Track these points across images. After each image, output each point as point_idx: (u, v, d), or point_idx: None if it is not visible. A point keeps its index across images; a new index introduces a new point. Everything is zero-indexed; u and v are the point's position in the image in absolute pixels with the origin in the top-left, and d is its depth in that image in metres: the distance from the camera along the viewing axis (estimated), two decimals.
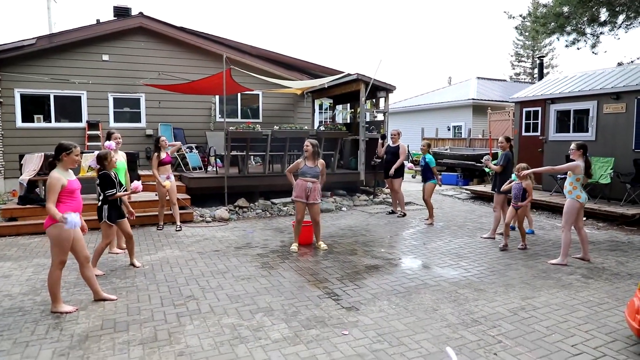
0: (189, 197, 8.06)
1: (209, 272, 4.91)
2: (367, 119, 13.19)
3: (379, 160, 10.14)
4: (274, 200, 9.12)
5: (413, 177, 15.81)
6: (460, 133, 21.05)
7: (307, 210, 5.84)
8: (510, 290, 4.38)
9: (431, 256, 5.58)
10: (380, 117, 12.42)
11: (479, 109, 20.30)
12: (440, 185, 7.41)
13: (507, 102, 14.58)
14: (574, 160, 5.17)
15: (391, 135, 8.62)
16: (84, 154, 7.65)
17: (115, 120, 10.69)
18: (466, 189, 11.32)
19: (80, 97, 10.38)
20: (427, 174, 7.37)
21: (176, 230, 6.90)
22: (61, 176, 3.69)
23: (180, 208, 7.63)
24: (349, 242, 6.36)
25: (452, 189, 12.54)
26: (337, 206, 9.34)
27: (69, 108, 10.31)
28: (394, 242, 6.39)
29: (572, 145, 5.23)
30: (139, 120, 10.89)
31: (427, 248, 5.99)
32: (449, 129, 21.77)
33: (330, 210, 8.94)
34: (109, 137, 5.87)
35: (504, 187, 6.14)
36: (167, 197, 7.02)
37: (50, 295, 3.81)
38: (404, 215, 8.35)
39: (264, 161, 9.62)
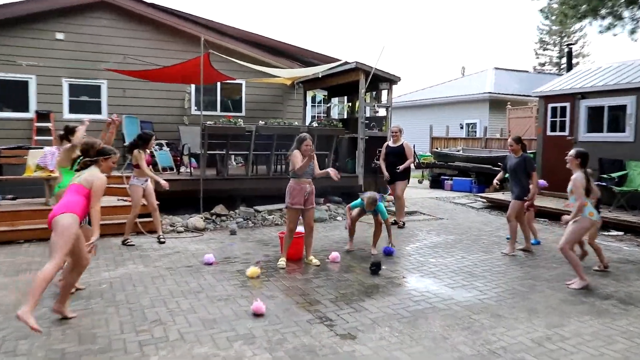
0: (157, 202, 7.96)
1: (180, 292, 4.86)
2: (367, 115, 13.22)
3: (379, 163, 10.18)
4: (258, 208, 9.09)
5: (420, 181, 15.86)
6: (475, 132, 21.21)
7: (301, 217, 5.82)
8: (534, 317, 4.37)
9: (440, 275, 5.57)
10: (382, 112, 12.46)
11: (496, 104, 20.48)
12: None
13: (530, 96, 14.72)
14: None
15: (391, 133, 8.59)
16: (30, 151, 7.55)
17: (71, 111, 10.58)
18: (481, 197, 11.36)
19: (27, 82, 10.23)
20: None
21: (159, 242, 6.89)
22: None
23: (147, 216, 7.56)
24: (344, 257, 6.33)
25: (465, 196, 12.60)
26: (331, 215, 9.32)
27: (14, 95, 10.14)
28: (397, 258, 6.37)
29: (571, 153, 5.29)
30: (99, 112, 10.84)
31: (436, 265, 5.98)
32: (461, 127, 21.94)
33: (324, 219, 8.93)
34: (69, 132, 5.74)
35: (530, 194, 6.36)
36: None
37: (29, 296, 3.67)
38: (403, 225, 8.32)
39: (246, 162, 9.60)
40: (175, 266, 5.79)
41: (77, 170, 4.15)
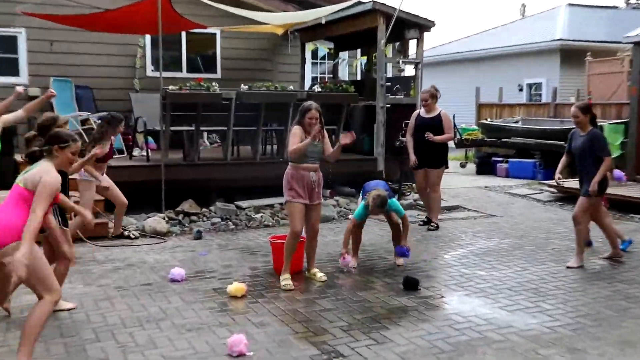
0: (102, 198, 7.98)
1: (135, 320, 4.87)
2: (389, 74, 13.15)
3: (406, 141, 10.14)
4: (241, 204, 9.12)
5: (462, 165, 15.84)
6: (540, 95, 21.14)
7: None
8: (628, 352, 4.34)
9: (493, 293, 5.57)
10: (409, 70, 12.38)
11: (571, 55, 20.32)
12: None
13: (620, 43, 14.46)
14: None
15: (421, 100, 8.52)
16: None
17: None
18: (549, 186, 11.30)
19: None
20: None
21: (131, 238, 7.41)
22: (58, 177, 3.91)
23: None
24: (360, 269, 6.33)
25: (526, 184, 12.62)
26: (340, 212, 9.34)
27: None
28: (434, 270, 6.37)
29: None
30: (15, 73, 10.81)
31: (486, 280, 5.99)
32: (520, 89, 21.86)
33: (331, 218, 8.95)
34: None
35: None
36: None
37: (22, 347, 3.86)
38: (437, 227, 8.34)
39: (224, 141, 9.61)
40: (127, 284, 5.80)
41: (27, 163, 4.00)
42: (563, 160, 6.64)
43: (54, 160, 3.97)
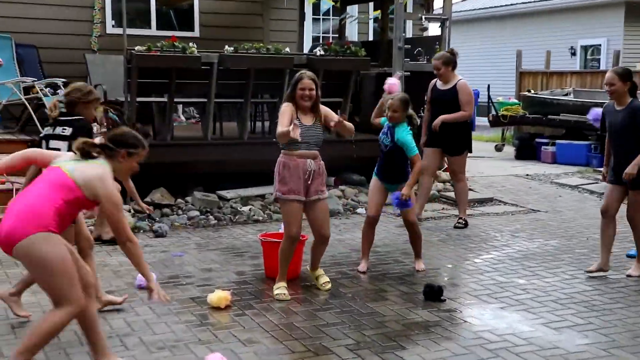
0: None
1: None
2: (409, 34, 13.12)
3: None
4: (225, 194, 9.19)
5: (498, 149, 15.88)
6: (598, 61, 21.09)
7: (304, 214, 5.83)
8: None
9: (535, 306, 5.62)
10: (433, 29, 12.36)
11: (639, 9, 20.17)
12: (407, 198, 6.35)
13: None
14: None
15: (434, 69, 8.45)
16: None
17: None
18: None
19: None
20: (396, 168, 6.53)
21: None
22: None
23: None
24: (371, 275, 6.39)
25: (577, 172, 12.67)
26: (347, 206, 9.41)
27: None
28: (461, 277, 6.44)
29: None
30: None
31: (526, 289, 6.04)
32: (573, 53, 21.83)
33: (336, 212, 9.03)
34: None
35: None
36: None
37: (23, 347, 3.98)
38: (465, 224, 8.43)
39: (204, 116, 9.62)
40: None
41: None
42: (608, 147, 6.43)
43: (114, 165, 4.07)
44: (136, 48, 8.62)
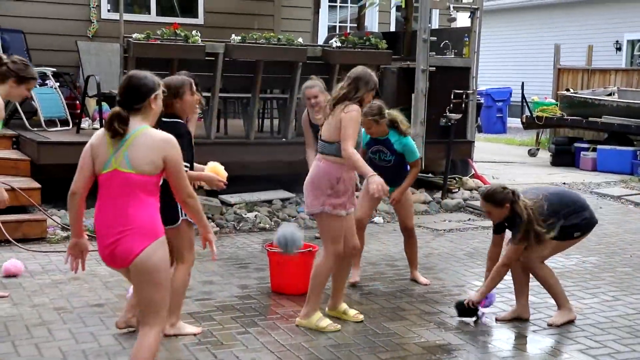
0: (38, 186, 8.11)
1: (81, 354, 4.91)
2: (435, 25, 13.08)
3: (457, 118, 10.15)
4: (228, 198, 9.24)
5: (532, 154, 15.85)
6: None
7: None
8: None
9: (571, 331, 5.59)
10: (462, 20, 12.34)
11: None
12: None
13: None
14: None
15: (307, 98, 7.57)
16: None
17: None
18: None
19: None
20: (398, 175, 6.68)
21: None
22: None
23: (19, 209, 7.70)
24: (387, 291, 6.42)
25: (621, 181, 12.62)
26: None
27: None
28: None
29: None
30: None
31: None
32: (618, 49, 21.69)
33: None
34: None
35: None
36: None
37: None
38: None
39: (207, 113, 9.63)
40: (71, 305, 5.85)
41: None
42: None
43: (150, 116, 4.01)
44: (134, 36, 8.66)
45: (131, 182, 3.79)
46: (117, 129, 3.79)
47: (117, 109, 3.85)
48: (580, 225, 5.75)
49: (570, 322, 5.66)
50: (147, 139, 3.83)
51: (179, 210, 5.13)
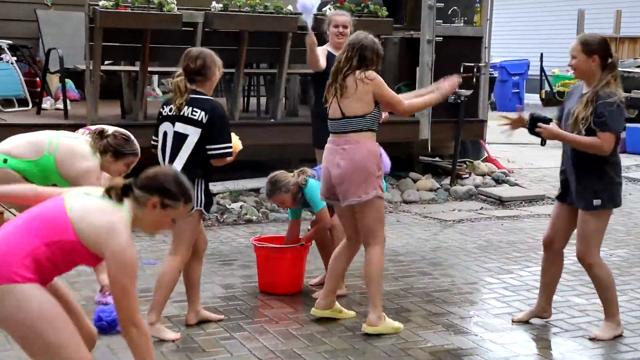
0: None
1: None
2: None
3: (467, 95, 10.07)
4: (210, 187, 9.08)
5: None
6: None
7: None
8: None
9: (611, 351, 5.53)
10: None
11: None
12: None
13: None
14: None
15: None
16: None
17: None
18: None
19: None
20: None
21: None
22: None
23: None
24: (390, 290, 6.40)
25: None
26: None
27: None
28: (503, 294, 6.41)
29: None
30: None
31: (586, 312, 6.02)
32: None
33: None
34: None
35: None
36: None
37: None
38: None
39: None
40: None
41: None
42: None
43: (139, 213, 3.78)
44: (100, 3, 8.53)
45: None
46: None
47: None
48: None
49: (618, 337, 5.48)
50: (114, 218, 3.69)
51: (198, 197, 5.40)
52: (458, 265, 6.96)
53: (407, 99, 5.75)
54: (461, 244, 7.93)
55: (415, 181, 10.26)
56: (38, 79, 10.10)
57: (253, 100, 10.40)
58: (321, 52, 6.63)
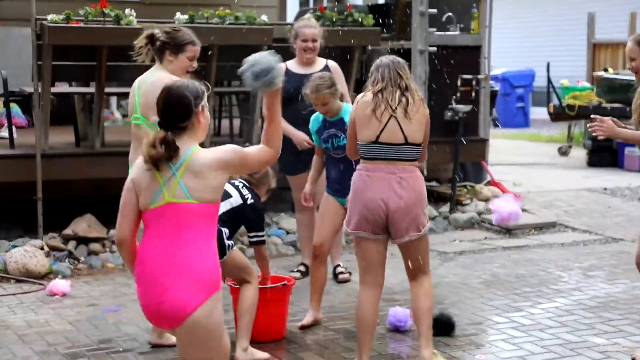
0: None
1: None
2: None
3: (466, 111, 10.14)
4: None
5: (563, 152, 15.95)
6: None
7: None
8: None
9: None
10: None
11: None
12: None
13: None
14: None
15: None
16: None
17: None
18: None
19: None
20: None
21: None
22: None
23: None
24: (384, 333, 6.41)
25: None
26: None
27: None
28: (512, 334, 6.41)
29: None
30: None
31: (607, 354, 5.98)
32: None
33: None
34: None
35: None
36: None
37: None
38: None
39: None
40: None
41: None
42: None
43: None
44: (49, 17, 8.57)
45: (191, 214, 3.78)
46: (163, 158, 3.79)
47: (160, 133, 3.83)
48: None
49: None
50: (203, 159, 3.85)
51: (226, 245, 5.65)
52: (461, 303, 7.00)
53: None
54: (464, 279, 7.95)
55: None
56: None
57: (225, 123, 10.41)
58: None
